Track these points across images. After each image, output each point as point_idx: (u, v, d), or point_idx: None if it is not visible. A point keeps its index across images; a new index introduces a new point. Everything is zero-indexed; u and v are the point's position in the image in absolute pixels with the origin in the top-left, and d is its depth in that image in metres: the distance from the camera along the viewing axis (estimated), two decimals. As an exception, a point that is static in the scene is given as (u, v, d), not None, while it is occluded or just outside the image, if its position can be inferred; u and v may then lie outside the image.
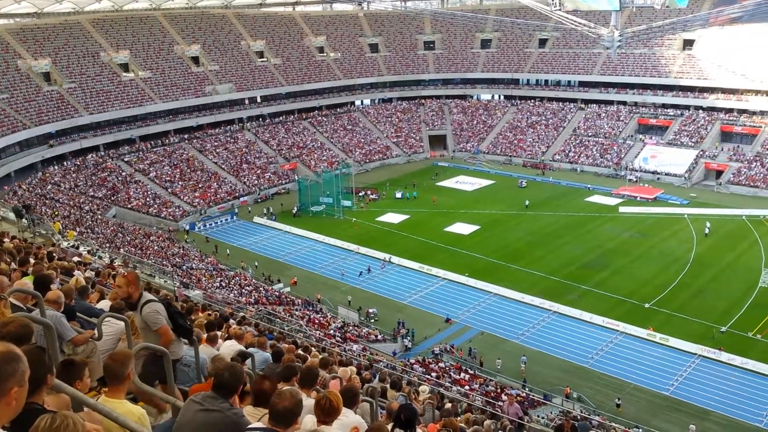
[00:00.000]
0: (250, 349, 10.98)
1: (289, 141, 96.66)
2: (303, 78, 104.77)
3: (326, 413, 5.59)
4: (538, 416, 33.22)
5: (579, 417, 33.77)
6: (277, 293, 52.42)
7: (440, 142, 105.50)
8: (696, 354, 43.71)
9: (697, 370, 42.11)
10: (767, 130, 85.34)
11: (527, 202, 75.57)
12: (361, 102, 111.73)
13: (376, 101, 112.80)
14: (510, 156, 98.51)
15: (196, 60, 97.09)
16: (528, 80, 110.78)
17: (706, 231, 64.88)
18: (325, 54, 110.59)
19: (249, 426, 4.89)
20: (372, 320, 50.17)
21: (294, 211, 76.64)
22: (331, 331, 43.43)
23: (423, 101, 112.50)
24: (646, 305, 50.76)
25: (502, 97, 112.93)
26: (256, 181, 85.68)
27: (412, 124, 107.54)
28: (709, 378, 41.13)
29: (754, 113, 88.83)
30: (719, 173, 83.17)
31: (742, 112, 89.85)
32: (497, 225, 70.38)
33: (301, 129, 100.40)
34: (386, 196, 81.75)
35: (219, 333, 11.69)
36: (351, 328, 46.49)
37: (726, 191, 79.32)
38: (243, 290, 51.00)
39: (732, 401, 38.66)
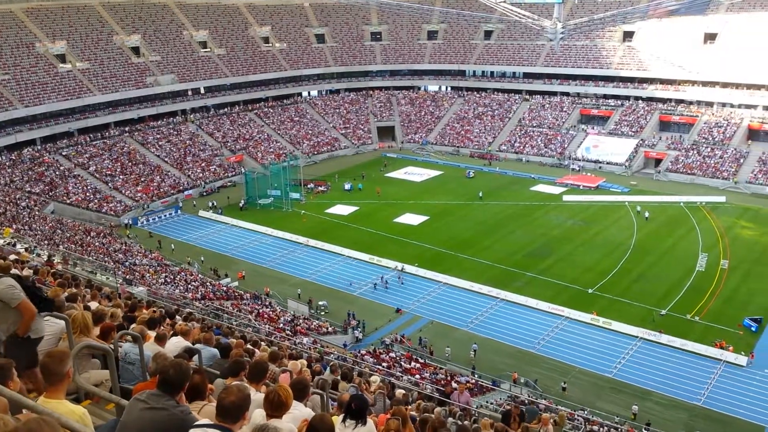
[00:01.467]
0: (197, 345, 10.75)
1: (235, 133, 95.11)
2: (248, 69, 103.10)
3: (275, 407, 5.51)
4: (487, 402, 33.79)
5: (527, 401, 34.52)
6: (225, 288, 51.67)
7: (388, 133, 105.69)
8: (637, 337, 45.25)
9: (638, 353, 43.60)
10: (703, 120, 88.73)
11: (480, 194, 76.46)
12: (308, 93, 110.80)
13: (324, 92, 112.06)
14: (458, 147, 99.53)
15: (136, 50, 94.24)
16: (474, 72, 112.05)
17: (646, 215, 67.44)
18: (270, 44, 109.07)
19: (196, 423, 4.79)
20: (322, 313, 50.00)
21: (241, 205, 75.53)
22: (281, 325, 43.10)
23: (371, 92, 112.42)
24: (590, 291, 52.22)
25: (449, 89, 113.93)
26: (200, 174, 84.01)
27: (360, 116, 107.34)
28: (650, 359, 42.63)
29: (690, 103, 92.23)
30: (658, 161, 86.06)
31: (679, 102, 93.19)
32: (446, 215, 71.08)
33: (246, 121, 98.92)
34: (332, 188, 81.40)
35: (165, 331, 11.39)
36: (301, 321, 46.23)
37: (665, 179, 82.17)
38: (189, 286, 50.00)
39: (672, 381, 40.19)
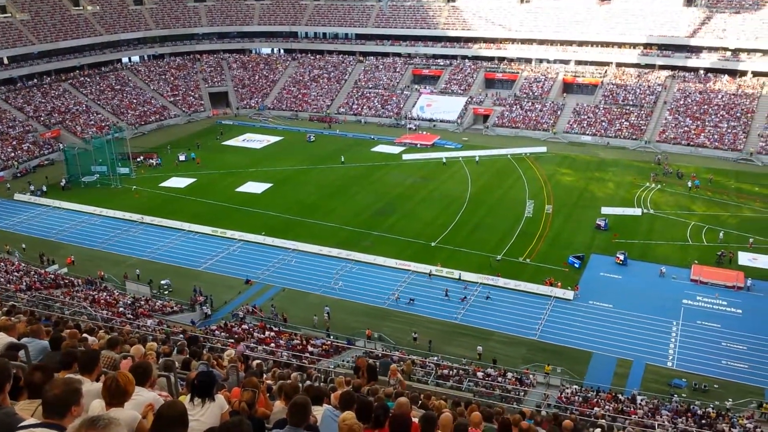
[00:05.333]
0: (23, 340, 9.47)
1: (48, 106, 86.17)
2: (57, 35, 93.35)
3: (115, 395, 5.24)
4: (344, 361, 34.15)
5: (380, 354, 35.41)
6: (53, 275, 47.15)
7: (222, 99, 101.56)
8: (478, 282, 48.03)
9: (480, 297, 46.31)
10: (524, 76, 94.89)
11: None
12: (129, 59, 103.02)
13: (146, 58, 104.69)
14: (296, 111, 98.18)
15: None
16: (306, 33, 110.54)
17: (477, 160, 74.12)
18: (81, 7, 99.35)
19: (21, 424, 4.46)
20: (166, 292, 47.47)
21: (62, 184, 68.99)
22: (121, 309, 40.29)
23: (199, 56, 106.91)
24: (432, 244, 54.42)
25: (282, 51, 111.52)
26: (12, 154, 75.33)
27: (189, 82, 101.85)
28: (490, 302, 45.45)
29: (512, 60, 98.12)
30: (486, 117, 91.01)
31: (502, 59, 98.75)
32: (289, 181, 70.13)
33: (61, 92, 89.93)
34: (165, 160, 76.90)
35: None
36: (143, 302, 43.55)
37: (493, 133, 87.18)
38: (11, 277, 44.95)
39: (510, 320, 43.27)
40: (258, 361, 19.23)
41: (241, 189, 67.85)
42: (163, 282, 48.26)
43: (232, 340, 32.61)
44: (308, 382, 14.38)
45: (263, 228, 57.32)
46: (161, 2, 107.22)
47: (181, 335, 26.29)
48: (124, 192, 67.52)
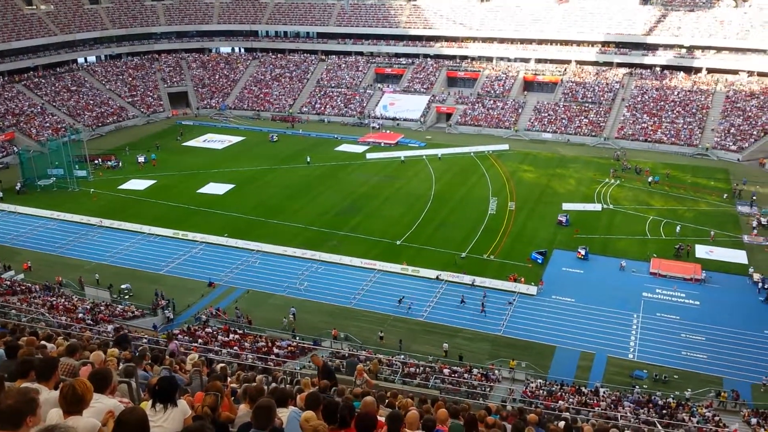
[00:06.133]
0: (-24, 350, 9.16)
1: (1, 108, 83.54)
2: (10, 35, 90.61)
3: (72, 402, 5.12)
4: (309, 362, 33.90)
5: (347, 354, 35.34)
6: (9, 282, 45.76)
7: (182, 99, 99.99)
8: (443, 280, 48.26)
9: (445, 295, 46.56)
10: (485, 74, 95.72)
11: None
12: (85, 59, 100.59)
13: (103, 58, 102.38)
14: (258, 110, 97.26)
15: None
16: (267, 32, 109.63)
17: (439, 156, 75.06)
18: (34, 6, 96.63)
19: None
20: (126, 296, 46.52)
21: (18, 188, 67.03)
22: (80, 315, 39.37)
23: (157, 56, 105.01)
24: (398, 242, 54.51)
25: (242, 50, 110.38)
26: (-38, 157, 72.96)
27: (147, 82, 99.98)
28: (456, 300, 45.72)
29: (473, 59, 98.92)
30: (449, 116, 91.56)
31: (463, 58, 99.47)
32: (252, 182, 69.45)
33: (14, 93, 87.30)
34: (123, 161, 75.33)
35: None
36: (103, 308, 42.60)
37: (456, 132, 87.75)
38: (-38, 285, 43.52)
39: (475, 316, 43.56)
40: (222, 365, 18.97)
41: (203, 190, 66.91)
42: (123, 286, 47.27)
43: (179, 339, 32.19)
44: (274, 385, 14.25)
45: (226, 229, 56.63)
46: (118, 1, 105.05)
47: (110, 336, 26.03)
48: (82, 195, 65.94)
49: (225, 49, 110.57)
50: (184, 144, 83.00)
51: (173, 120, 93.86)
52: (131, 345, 19.28)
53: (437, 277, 48.28)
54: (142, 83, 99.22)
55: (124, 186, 68.03)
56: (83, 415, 5.22)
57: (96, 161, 74.10)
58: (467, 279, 47.92)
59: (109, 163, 74.51)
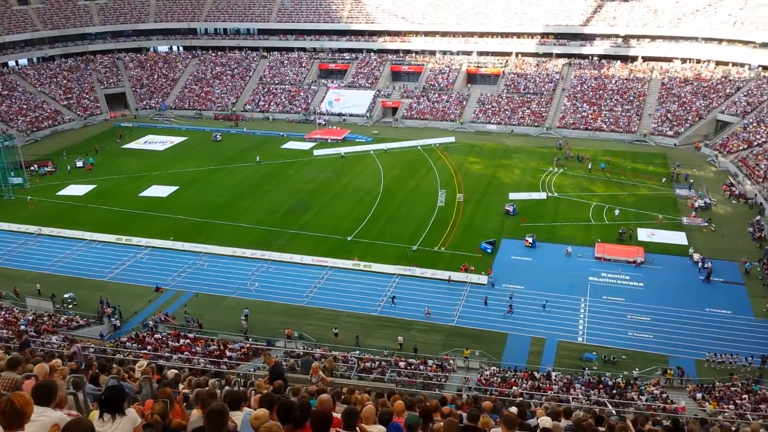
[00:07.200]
0: None
1: (-75, 114, 79.56)
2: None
3: (10, 417, 4.93)
4: (263, 363, 33.52)
5: (302, 353, 35.10)
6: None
7: (120, 101, 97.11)
8: (395, 274, 48.43)
9: (398, 288, 46.72)
10: (429, 68, 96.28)
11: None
12: (16, 62, 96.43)
13: (35, 60, 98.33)
14: (200, 110, 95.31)
15: None
16: (206, 29, 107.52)
17: (385, 150, 75.16)
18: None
19: None
20: (70, 306, 44.98)
21: (-53, 198, 64.00)
22: (22, 327, 37.88)
23: (92, 57, 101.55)
24: (348, 238, 54.38)
25: (181, 49, 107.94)
26: None
27: (83, 84, 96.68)
28: (409, 293, 45.96)
29: (416, 53, 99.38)
30: (395, 110, 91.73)
31: (407, 52, 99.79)
32: (197, 182, 68.09)
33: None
34: (61, 167, 72.73)
35: None
36: (46, 318, 41.09)
37: (402, 126, 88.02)
38: None
39: (431, 309, 43.82)
40: (174, 371, 18.53)
41: (145, 193, 65.20)
42: (66, 295, 45.69)
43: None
44: (227, 388, 13.98)
45: (171, 233, 55.37)
46: (48, 1, 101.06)
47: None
48: (19, 203, 63.36)
49: (163, 48, 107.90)
50: (123, 146, 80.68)
51: (112, 122, 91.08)
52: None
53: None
54: (77, 85, 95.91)
55: (63, 192, 65.69)
56: (25, 430, 5.04)
57: (32, 168, 71.27)
58: (418, 272, 48.19)
59: (46, 168, 71.76)
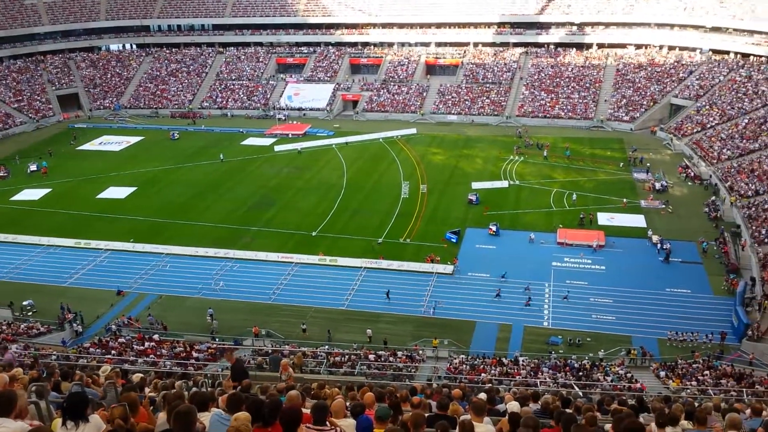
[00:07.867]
0: None
1: None
2: None
3: None
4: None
5: (270, 351, 34.82)
6: None
7: (72, 101, 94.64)
8: (362, 267, 48.39)
9: (365, 281, 46.71)
10: (388, 60, 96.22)
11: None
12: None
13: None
14: (156, 108, 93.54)
15: None
16: (160, 26, 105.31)
17: (346, 143, 75.48)
18: None
19: None
20: (29, 313, 43.78)
21: None
22: (-21, 337, 36.70)
23: (42, 57, 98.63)
24: (313, 233, 54.11)
25: (134, 47, 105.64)
26: None
27: (33, 85, 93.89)
28: (376, 285, 45.98)
29: (375, 45, 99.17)
30: (355, 103, 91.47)
31: (365, 45, 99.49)
32: (155, 182, 66.88)
33: None
34: (13, 171, 70.62)
35: None
36: (5, 327, 39.92)
37: (363, 119, 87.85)
38: None
39: (396, 300, 43.97)
40: (140, 375, 18.20)
41: (103, 195, 63.76)
42: (25, 303, 44.43)
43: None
44: (195, 389, 13.78)
45: (131, 234, 54.31)
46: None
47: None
48: (-31, 210, 61.37)
49: (115, 47, 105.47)
50: (78, 148, 78.70)
51: (65, 124, 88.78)
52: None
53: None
54: (27, 87, 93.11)
55: (17, 197, 63.78)
56: (-17, 441, 4.88)
57: (-18, 173, 69.05)
58: (384, 264, 48.24)
59: (-2, 173, 69.67)
